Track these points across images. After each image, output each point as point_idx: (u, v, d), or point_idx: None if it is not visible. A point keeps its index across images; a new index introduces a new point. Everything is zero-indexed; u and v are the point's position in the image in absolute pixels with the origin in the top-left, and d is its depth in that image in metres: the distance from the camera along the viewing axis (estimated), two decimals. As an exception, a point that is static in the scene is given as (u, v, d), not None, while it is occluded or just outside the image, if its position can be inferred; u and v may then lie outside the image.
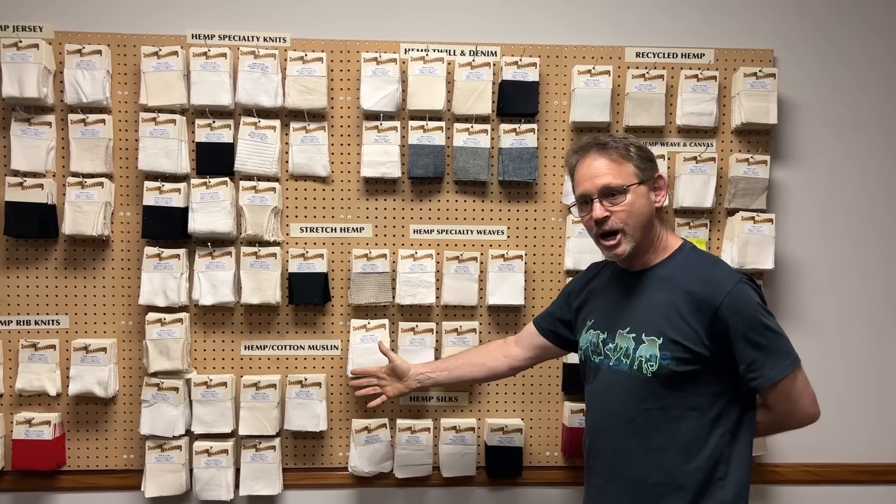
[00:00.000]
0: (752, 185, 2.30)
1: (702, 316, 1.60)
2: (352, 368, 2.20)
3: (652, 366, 1.63)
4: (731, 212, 2.33)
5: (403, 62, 2.25)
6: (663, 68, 2.29)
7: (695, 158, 2.28)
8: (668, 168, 2.30)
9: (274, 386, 2.26)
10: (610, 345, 1.73)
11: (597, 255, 2.28)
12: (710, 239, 2.33)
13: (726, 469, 1.63)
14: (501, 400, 2.36)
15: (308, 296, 2.26)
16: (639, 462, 1.68)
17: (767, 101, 2.27)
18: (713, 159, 2.29)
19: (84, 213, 2.18)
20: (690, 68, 2.30)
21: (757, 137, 2.34)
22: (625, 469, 1.70)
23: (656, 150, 2.28)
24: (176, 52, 2.18)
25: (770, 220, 2.28)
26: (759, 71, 2.26)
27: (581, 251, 2.28)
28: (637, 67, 2.29)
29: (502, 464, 2.30)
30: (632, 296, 1.72)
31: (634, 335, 1.67)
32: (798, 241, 2.39)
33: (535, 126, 2.27)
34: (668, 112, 2.31)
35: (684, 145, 2.33)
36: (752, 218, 2.28)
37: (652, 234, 1.70)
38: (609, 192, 1.65)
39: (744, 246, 2.27)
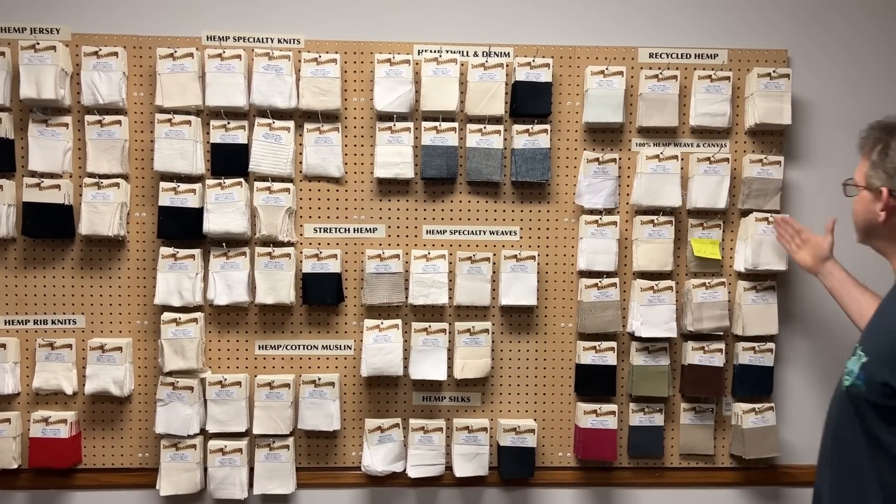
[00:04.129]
0: (765, 186, 2.29)
1: None
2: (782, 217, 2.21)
3: (847, 380, 1.57)
4: (745, 212, 2.32)
5: (417, 63, 2.26)
6: (677, 69, 2.29)
7: (708, 159, 2.28)
8: (682, 169, 2.30)
9: (288, 385, 2.27)
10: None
11: (609, 256, 2.30)
12: (723, 240, 2.33)
13: None
14: (514, 400, 2.36)
15: (322, 296, 2.27)
16: (826, 474, 1.65)
17: (781, 101, 2.26)
18: (727, 160, 2.28)
19: (100, 214, 2.20)
20: (704, 69, 2.29)
21: (770, 138, 2.33)
22: (820, 474, 1.68)
23: (669, 151, 2.29)
24: (191, 54, 2.20)
25: (784, 221, 2.27)
26: (773, 71, 2.25)
27: (594, 252, 2.28)
28: (650, 68, 2.29)
29: (515, 464, 2.31)
30: (881, 306, 1.65)
31: (857, 344, 1.61)
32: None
33: (548, 127, 2.27)
34: (682, 112, 2.31)
35: (698, 146, 2.33)
36: (766, 219, 2.27)
37: (882, 244, 1.64)
38: (850, 182, 1.69)
39: (758, 247, 2.26)
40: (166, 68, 2.20)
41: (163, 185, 2.22)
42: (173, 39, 2.24)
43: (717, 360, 2.32)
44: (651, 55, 2.31)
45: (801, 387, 2.41)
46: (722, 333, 2.34)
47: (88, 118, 2.21)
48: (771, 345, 2.33)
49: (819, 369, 2.41)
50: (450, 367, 2.29)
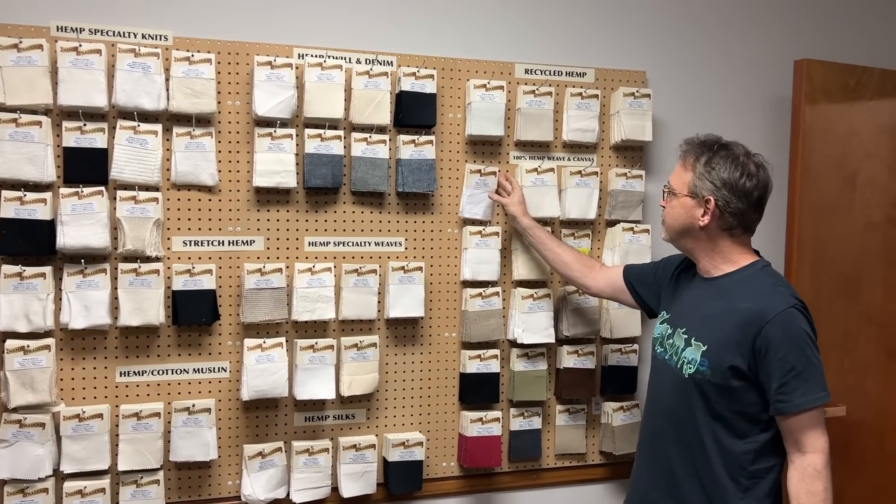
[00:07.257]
0: (629, 198, 2.46)
1: (747, 331, 1.69)
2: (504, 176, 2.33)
3: (690, 368, 1.78)
4: (612, 223, 2.47)
5: (298, 68, 2.15)
6: (551, 85, 2.38)
7: (580, 172, 2.40)
8: (557, 181, 2.39)
9: (158, 415, 2.06)
10: (670, 340, 1.88)
11: (493, 266, 2.35)
12: (592, 248, 2.46)
13: (750, 484, 1.74)
14: (399, 414, 2.33)
15: (196, 315, 2.10)
16: (670, 450, 1.85)
17: (644, 119, 2.43)
18: (596, 173, 2.42)
19: (-76, 228, 1.87)
20: (574, 86, 2.41)
21: (632, 153, 2.50)
22: (659, 452, 1.88)
23: (546, 164, 2.38)
24: (40, 46, 1.93)
25: (647, 231, 2.45)
26: (637, 91, 2.42)
27: (478, 262, 2.31)
28: (527, 84, 2.36)
29: (404, 479, 2.27)
30: (695, 300, 1.86)
31: (686, 336, 1.82)
32: (670, 250, 2.57)
33: (433, 138, 2.26)
34: (556, 128, 2.41)
35: (569, 160, 2.44)
36: (632, 229, 2.43)
37: (696, 244, 1.83)
38: (668, 188, 1.86)
39: (624, 255, 2.42)
40: (9, 61, 1.91)
41: (5, 194, 1.93)
42: (15, 28, 1.96)
43: (590, 363, 2.45)
44: (527, 71, 2.38)
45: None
46: (593, 337, 2.47)
47: None
48: (635, 346, 2.50)
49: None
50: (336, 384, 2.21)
